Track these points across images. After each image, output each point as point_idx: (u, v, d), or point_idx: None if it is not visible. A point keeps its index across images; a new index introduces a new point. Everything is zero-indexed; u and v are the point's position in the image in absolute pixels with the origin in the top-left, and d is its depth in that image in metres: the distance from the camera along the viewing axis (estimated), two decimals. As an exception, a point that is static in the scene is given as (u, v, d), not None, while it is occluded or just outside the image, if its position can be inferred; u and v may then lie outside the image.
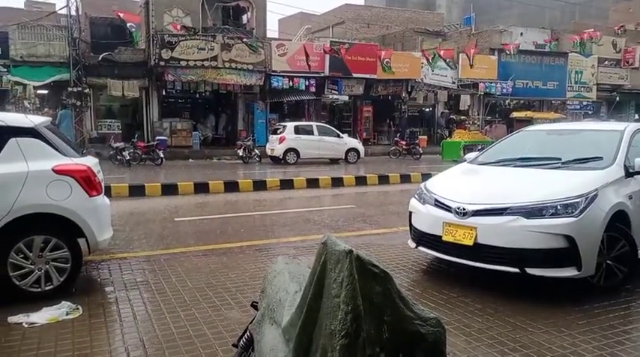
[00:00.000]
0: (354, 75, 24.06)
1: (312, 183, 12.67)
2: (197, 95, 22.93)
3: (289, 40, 26.01)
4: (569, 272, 4.21)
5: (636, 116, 28.04)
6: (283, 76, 22.57)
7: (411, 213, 5.37)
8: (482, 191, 4.93)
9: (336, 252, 1.97)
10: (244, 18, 24.25)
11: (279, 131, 18.37)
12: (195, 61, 20.87)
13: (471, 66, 26.16)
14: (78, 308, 4.09)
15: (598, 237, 4.27)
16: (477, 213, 4.53)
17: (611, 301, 4.23)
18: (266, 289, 2.93)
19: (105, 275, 5.11)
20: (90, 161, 4.86)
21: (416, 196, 5.40)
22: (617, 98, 31.03)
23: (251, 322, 2.80)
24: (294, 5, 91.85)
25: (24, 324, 3.80)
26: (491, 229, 4.42)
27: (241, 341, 2.79)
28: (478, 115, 27.96)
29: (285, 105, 24.38)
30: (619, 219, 4.45)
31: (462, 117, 27.15)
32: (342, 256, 1.93)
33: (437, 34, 30.67)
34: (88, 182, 4.54)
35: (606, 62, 30.90)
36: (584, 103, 30.07)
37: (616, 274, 4.45)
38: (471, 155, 6.30)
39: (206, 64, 21.01)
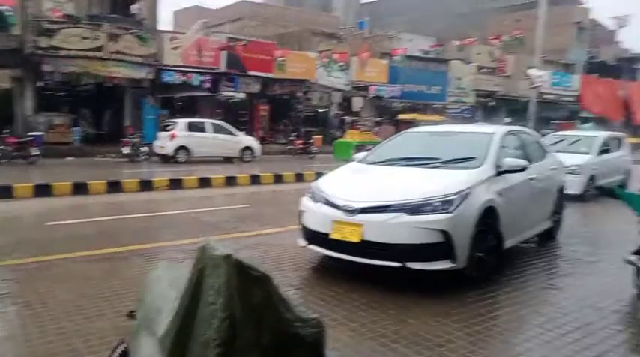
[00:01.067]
0: (251, 73, 23.83)
1: (205, 182, 12.32)
2: (79, 88, 21.23)
3: (183, 34, 25.07)
4: (445, 265, 4.51)
5: (507, 120, 30.91)
6: (176, 71, 21.69)
7: (301, 212, 5.42)
8: (368, 190, 5.11)
9: (214, 257, 1.90)
10: (134, 8, 22.91)
11: (169, 128, 17.62)
12: (77, 50, 19.28)
13: (362, 69, 27.18)
14: None
15: (470, 231, 4.61)
16: (364, 211, 4.69)
17: (481, 291, 4.60)
18: (144, 296, 2.77)
19: (-41, 288, 4.52)
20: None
21: (307, 195, 5.46)
22: (492, 103, 34.05)
23: (126, 334, 2.63)
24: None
25: None
26: (375, 225, 4.59)
27: (114, 354, 2.60)
28: (369, 116, 29.12)
29: (178, 101, 23.44)
30: (489, 214, 4.85)
31: (355, 118, 28.12)
32: (220, 261, 1.87)
33: (333, 37, 31.41)
34: None
35: (483, 70, 33.73)
36: (463, 108, 32.56)
37: (486, 266, 4.84)
38: (359, 155, 6.51)
39: (90, 54, 19.51)
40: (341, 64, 26.24)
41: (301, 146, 21.54)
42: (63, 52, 19.06)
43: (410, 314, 4.02)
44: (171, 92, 22.36)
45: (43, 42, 18.77)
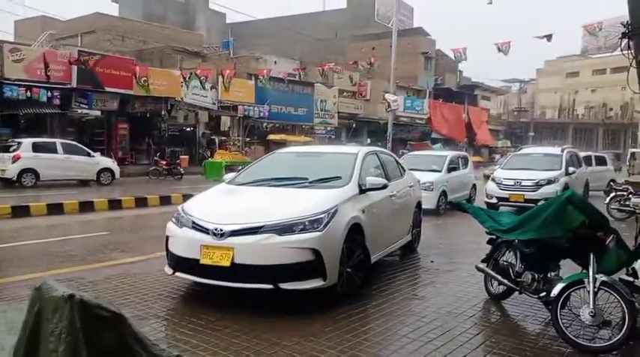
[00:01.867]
0: (107, 89, 22.28)
1: (56, 209, 11.09)
2: None
3: (28, 45, 22.69)
4: (316, 283, 4.55)
5: (368, 141, 32.93)
6: (19, 86, 19.49)
7: (167, 237, 5.12)
8: (239, 211, 5.01)
9: (53, 299, 1.65)
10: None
11: (12, 148, 15.68)
12: None
13: (227, 88, 26.97)
14: None
15: (339, 248, 4.73)
16: (234, 233, 4.56)
17: (351, 306, 4.72)
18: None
19: None
20: None
21: (173, 220, 5.18)
22: (354, 125, 36.04)
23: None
24: (34, 7, 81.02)
25: None
26: (247, 248, 4.49)
27: None
28: (238, 136, 28.96)
29: (22, 118, 21.00)
30: (355, 231, 5.03)
31: (223, 138, 27.75)
32: (60, 303, 1.63)
33: (196, 55, 30.80)
34: None
35: (345, 93, 35.60)
36: (329, 128, 34.02)
37: (355, 281, 5.00)
38: (228, 176, 6.38)
39: None
40: (202, 78, 25.66)
41: (166, 167, 20.61)
42: None
43: (284, 336, 3.97)
44: (14, 109, 19.96)
45: None
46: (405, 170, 7.52)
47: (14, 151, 15.48)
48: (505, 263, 4.86)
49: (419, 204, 7.59)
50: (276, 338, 3.94)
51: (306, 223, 4.63)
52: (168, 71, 25.53)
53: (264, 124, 30.36)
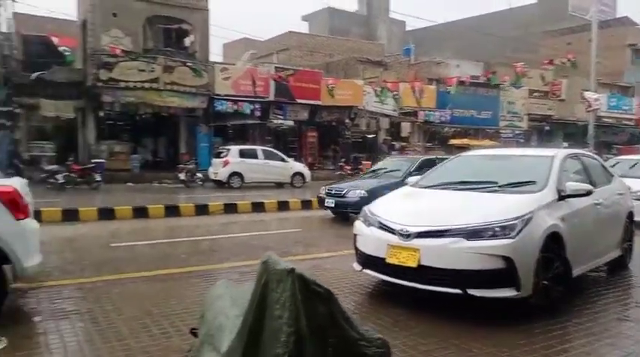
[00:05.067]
0: (299, 101, 24.29)
1: (258, 207, 12.50)
2: (137, 117, 22.26)
3: (233, 64, 25.96)
4: (508, 292, 4.32)
5: (565, 144, 29.89)
6: (227, 100, 22.41)
7: (355, 235, 5.37)
8: (424, 213, 5.01)
9: (277, 271, 1.90)
10: (186, 41, 23.99)
11: (222, 155, 18.12)
12: (135, 82, 20.34)
13: (419, 102, 27.16)
14: (2, 340, 3.75)
15: (534, 257, 4.41)
16: (420, 235, 4.59)
17: (549, 321, 4.36)
18: (205, 314, 2.80)
19: (33, 304, 4.74)
20: (17, 182, 4.55)
21: (360, 219, 5.42)
22: (547, 127, 33.04)
23: (189, 350, 2.66)
24: (238, 30, 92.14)
25: None
26: (433, 250, 4.48)
27: (181, 371, 2.64)
28: (418, 141, 28.87)
29: (230, 129, 24.16)
30: (554, 240, 4.64)
31: (404, 143, 27.95)
32: (283, 276, 1.87)
33: (378, 64, 31.59)
34: (13, 204, 4.23)
35: (535, 94, 32.89)
36: (517, 132, 31.77)
37: (553, 295, 4.61)
38: (412, 179, 6.43)
39: (147, 85, 20.52)
40: (394, 93, 26.37)
41: (350, 171, 21.61)
42: (122, 84, 20.14)
43: (474, 344, 3.86)
44: (223, 120, 23.08)
45: (103, 75, 19.92)
46: (613, 176, 6.67)
47: (224, 157, 17.86)
48: None
49: (630, 215, 6.64)
50: (465, 345, 3.85)
51: (497, 228, 4.43)
52: (352, 81, 26.75)
53: (446, 129, 29.74)
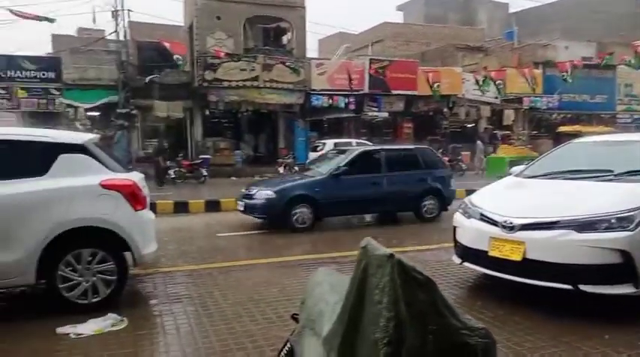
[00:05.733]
0: (394, 92, 24.00)
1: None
2: (239, 115, 23.37)
3: (328, 59, 26.26)
4: (625, 289, 3.96)
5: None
6: (323, 95, 22.75)
7: (455, 228, 5.23)
8: (530, 204, 4.75)
9: (376, 257, 1.91)
10: (284, 39, 24.71)
11: (319, 148, 18.45)
12: (237, 81, 21.35)
13: (534, 89, 25.63)
14: (123, 320, 4.16)
15: (658, 253, 4.00)
16: (526, 227, 4.35)
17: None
18: (306, 300, 2.88)
19: (149, 288, 5.20)
20: (135, 176, 4.99)
21: (460, 211, 5.26)
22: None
23: (291, 334, 2.76)
24: (334, 25, 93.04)
25: (71, 335, 3.88)
26: (540, 243, 4.23)
27: (281, 354, 2.75)
28: (523, 130, 27.25)
29: (325, 123, 24.52)
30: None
31: (506, 132, 26.53)
32: (383, 261, 1.87)
33: (478, 50, 30.24)
34: (133, 196, 4.65)
35: (658, 74, 29.55)
36: (635, 116, 28.85)
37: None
38: (516, 168, 6.10)
39: (247, 84, 21.45)
40: (497, 82, 25.04)
41: (449, 163, 20.94)
42: (225, 84, 21.24)
43: (587, 342, 3.59)
44: (319, 115, 23.46)
45: (208, 75, 21.13)
46: None
47: (320, 150, 18.17)
48: None
49: None
50: (577, 343, 3.60)
51: (613, 220, 4.08)
52: (451, 69, 25.87)
53: (554, 116, 27.72)
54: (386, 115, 24.82)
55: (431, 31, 37.36)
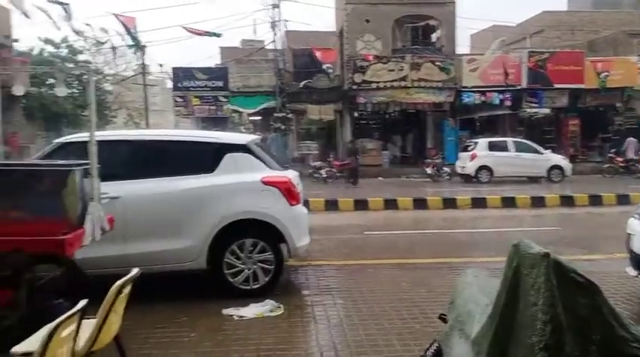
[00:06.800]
0: (557, 86, 21.97)
1: (508, 202, 11.83)
2: (386, 115, 23.48)
3: (481, 54, 25.02)
4: None
5: None
6: (475, 92, 21.76)
7: (629, 235, 4.63)
8: None
9: (530, 255, 1.80)
10: (433, 36, 24.17)
11: (470, 148, 17.71)
12: (385, 82, 21.48)
13: None
14: (280, 307, 4.47)
15: None
16: None
17: None
18: (455, 300, 2.83)
19: (302, 279, 5.52)
20: (291, 174, 5.34)
21: (635, 216, 4.65)
22: None
23: (439, 334, 2.72)
24: (486, 18, 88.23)
25: (235, 316, 4.29)
26: None
27: (428, 353, 2.73)
28: None
29: (477, 121, 23.41)
30: None
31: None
32: (537, 260, 1.75)
33: (659, 35, 26.23)
34: (289, 192, 4.98)
35: None
36: None
37: None
38: None
39: (395, 84, 21.45)
40: None
41: (623, 164, 18.56)
42: (373, 85, 21.51)
43: None
44: (470, 113, 22.52)
45: (357, 78, 21.60)
46: None
47: (472, 150, 17.43)
48: None
49: None
50: None
51: None
52: (624, 59, 22.85)
53: None
54: (547, 111, 22.87)
55: (600, 18, 33.37)
